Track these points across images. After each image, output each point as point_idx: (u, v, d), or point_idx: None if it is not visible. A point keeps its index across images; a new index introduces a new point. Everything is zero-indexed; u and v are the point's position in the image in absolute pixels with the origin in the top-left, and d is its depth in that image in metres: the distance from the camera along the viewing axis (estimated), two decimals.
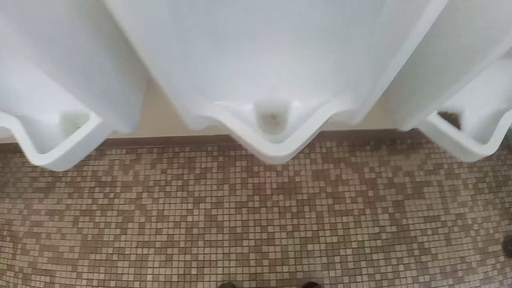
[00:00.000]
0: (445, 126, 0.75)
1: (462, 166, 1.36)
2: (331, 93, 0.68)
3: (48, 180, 1.39)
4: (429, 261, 1.21)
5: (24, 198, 1.38)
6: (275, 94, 0.72)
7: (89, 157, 1.39)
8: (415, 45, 0.46)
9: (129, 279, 1.23)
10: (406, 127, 0.79)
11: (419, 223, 1.25)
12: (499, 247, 1.25)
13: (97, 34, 0.57)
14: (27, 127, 0.72)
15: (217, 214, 1.27)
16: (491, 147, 0.73)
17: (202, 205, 1.28)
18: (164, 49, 0.47)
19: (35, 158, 0.68)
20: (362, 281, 1.17)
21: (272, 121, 0.77)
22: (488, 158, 1.38)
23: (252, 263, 1.20)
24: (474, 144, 0.73)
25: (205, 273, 1.20)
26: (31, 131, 0.72)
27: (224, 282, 1.19)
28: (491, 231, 1.27)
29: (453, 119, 0.83)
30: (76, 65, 0.51)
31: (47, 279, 1.26)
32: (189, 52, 0.58)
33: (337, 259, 1.20)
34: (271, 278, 1.18)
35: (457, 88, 0.58)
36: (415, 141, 1.38)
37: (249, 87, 0.70)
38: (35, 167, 1.49)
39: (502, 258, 1.23)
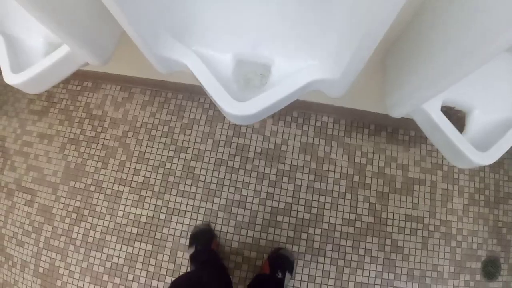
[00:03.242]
0: (441, 120, 0.64)
1: (463, 173, 1.26)
2: (313, 58, 0.61)
3: (44, 104, 1.42)
4: (398, 260, 1.15)
5: (20, 118, 1.42)
6: (258, 49, 0.66)
7: (84, 89, 1.40)
8: (395, 13, 0.39)
9: (101, 211, 1.26)
10: (396, 113, 0.71)
11: (398, 220, 1.18)
12: (479, 265, 1.17)
13: None
14: (10, 45, 0.73)
15: (195, 167, 1.25)
16: (490, 157, 0.62)
17: (182, 155, 1.27)
18: None
19: (8, 76, 0.69)
20: (324, 263, 1.14)
21: (261, 82, 0.72)
22: (495, 171, 1.27)
23: (219, 221, 1.19)
24: (469, 149, 0.62)
25: (172, 220, 1.21)
26: (15, 51, 0.73)
27: (204, 222, 1.20)
28: (474, 247, 1.18)
29: (459, 117, 0.74)
30: None
31: (29, 197, 1.31)
32: None
33: (304, 235, 1.16)
34: (234, 239, 1.17)
35: (454, 79, 0.50)
36: (419, 134, 1.28)
37: (231, 36, 0.65)
38: None
39: (478, 277, 1.16)
